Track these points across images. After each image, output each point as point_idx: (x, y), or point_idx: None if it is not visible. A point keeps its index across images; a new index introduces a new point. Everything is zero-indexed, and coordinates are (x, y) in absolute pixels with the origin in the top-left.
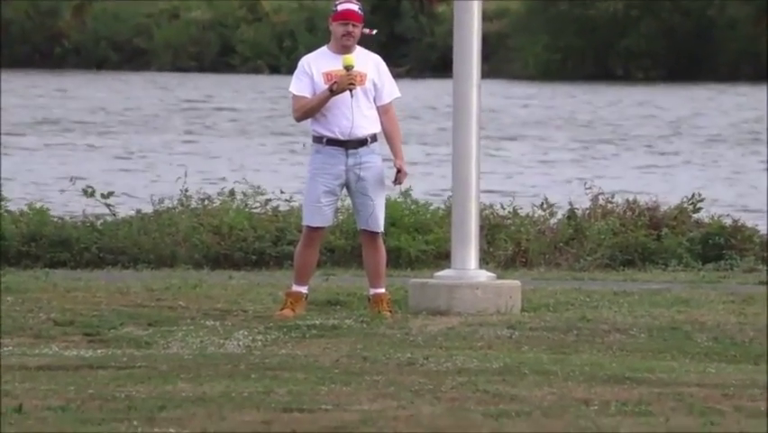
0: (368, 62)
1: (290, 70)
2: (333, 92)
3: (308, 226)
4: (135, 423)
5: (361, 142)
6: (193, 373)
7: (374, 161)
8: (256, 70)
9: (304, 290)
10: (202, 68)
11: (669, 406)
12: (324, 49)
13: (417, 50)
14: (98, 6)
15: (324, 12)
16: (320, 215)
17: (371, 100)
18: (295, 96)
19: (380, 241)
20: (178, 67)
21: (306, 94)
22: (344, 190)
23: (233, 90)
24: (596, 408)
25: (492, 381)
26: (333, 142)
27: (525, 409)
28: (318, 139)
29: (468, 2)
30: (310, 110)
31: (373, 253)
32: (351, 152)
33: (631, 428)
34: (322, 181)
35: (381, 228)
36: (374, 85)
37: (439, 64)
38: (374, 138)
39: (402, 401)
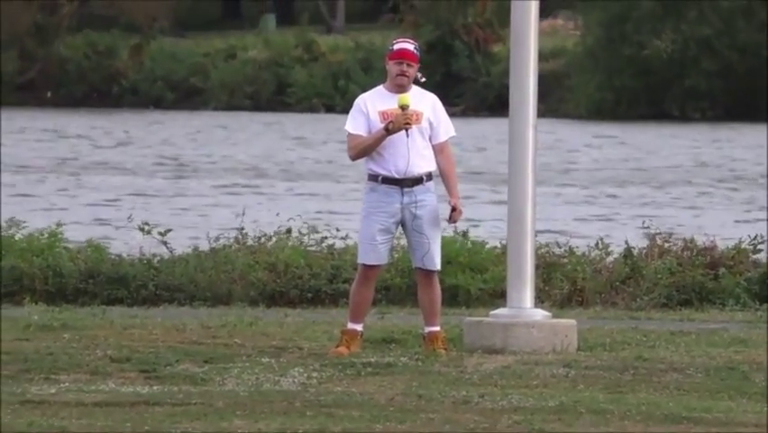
0: (424, 101)
1: (345, 110)
2: (388, 131)
3: (364, 265)
4: None
5: (417, 181)
6: (248, 410)
7: (429, 199)
8: (311, 109)
9: (359, 327)
10: (257, 107)
11: None
12: (380, 88)
13: (473, 90)
14: (155, 46)
15: (380, 52)
16: (375, 253)
17: (427, 139)
18: (350, 135)
19: (436, 279)
20: (233, 105)
21: (362, 132)
22: (399, 229)
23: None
24: None
25: (548, 420)
26: (388, 180)
27: None
28: (374, 177)
29: (524, 41)
30: (366, 149)
31: (428, 292)
32: (406, 190)
33: None
34: (377, 219)
35: (437, 267)
36: (430, 123)
37: (495, 103)
38: (429, 176)
39: None
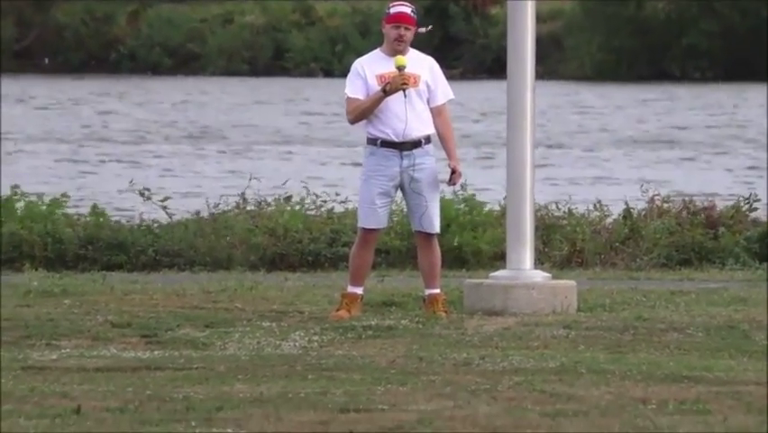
0: (421, 64)
1: (343, 74)
2: (386, 92)
3: (363, 228)
4: (193, 424)
5: (416, 144)
6: (250, 374)
7: (428, 162)
8: (309, 74)
9: (359, 291)
10: (255, 72)
11: (727, 405)
12: (377, 51)
13: (471, 52)
14: (152, 12)
15: (378, 16)
16: (375, 216)
17: (425, 102)
18: (349, 99)
19: (435, 242)
20: (231, 71)
21: (360, 96)
22: (399, 192)
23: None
24: (653, 407)
25: (549, 380)
26: (387, 143)
27: (583, 408)
28: (372, 141)
29: (521, 3)
30: (364, 111)
31: (428, 254)
32: (405, 153)
33: (689, 428)
34: (376, 183)
35: (436, 229)
36: (428, 86)
37: (494, 66)
38: (428, 139)
39: (459, 401)
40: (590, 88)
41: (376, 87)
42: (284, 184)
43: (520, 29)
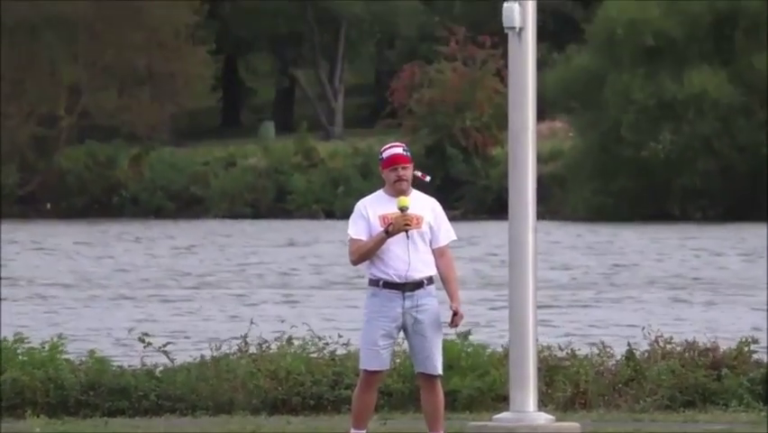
0: (424, 205)
1: (344, 215)
2: (388, 234)
3: (366, 370)
4: None
5: (418, 285)
6: None
7: (431, 303)
8: (311, 216)
9: None
10: (257, 214)
11: None
12: (380, 192)
13: (472, 193)
14: (155, 156)
15: (378, 157)
16: (377, 358)
17: (428, 243)
18: (352, 239)
19: (438, 384)
20: (233, 213)
21: (363, 237)
22: (401, 333)
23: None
24: None
25: None
26: (389, 285)
27: None
28: (375, 282)
29: (522, 141)
30: (367, 252)
31: (431, 397)
32: (407, 294)
33: None
34: (378, 325)
35: (439, 371)
36: (430, 228)
37: (494, 206)
38: (431, 280)
39: None
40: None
41: (379, 227)
42: (285, 324)
43: (521, 169)
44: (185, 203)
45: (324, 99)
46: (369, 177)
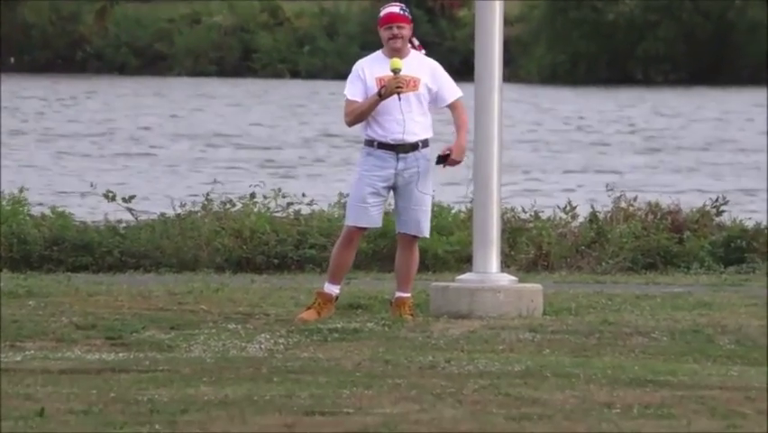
0: (422, 67)
1: (310, 75)
2: (381, 96)
3: (353, 226)
4: (157, 426)
5: (412, 147)
6: (215, 377)
7: (423, 165)
8: (277, 75)
9: (336, 290)
10: (222, 72)
11: (691, 409)
12: (378, 53)
13: (438, 54)
14: (120, 11)
15: (345, 17)
16: (366, 215)
17: (425, 105)
18: (348, 101)
19: (416, 246)
20: (198, 71)
21: (359, 98)
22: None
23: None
24: (618, 411)
25: (514, 384)
26: (384, 145)
27: (547, 412)
28: (369, 142)
29: (489, 4)
30: (360, 114)
31: (407, 257)
32: (401, 156)
33: (653, 431)
34: (369, 183)
35: (425, 233)
36: (428, 90)
37: (462, 68)
38: (425, 143)
39: (424, 405)
40: (547, 92)
41: (375, 89)
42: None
43: (488, 31)
44: (149, 60)
45: None
46: (335, 37)
